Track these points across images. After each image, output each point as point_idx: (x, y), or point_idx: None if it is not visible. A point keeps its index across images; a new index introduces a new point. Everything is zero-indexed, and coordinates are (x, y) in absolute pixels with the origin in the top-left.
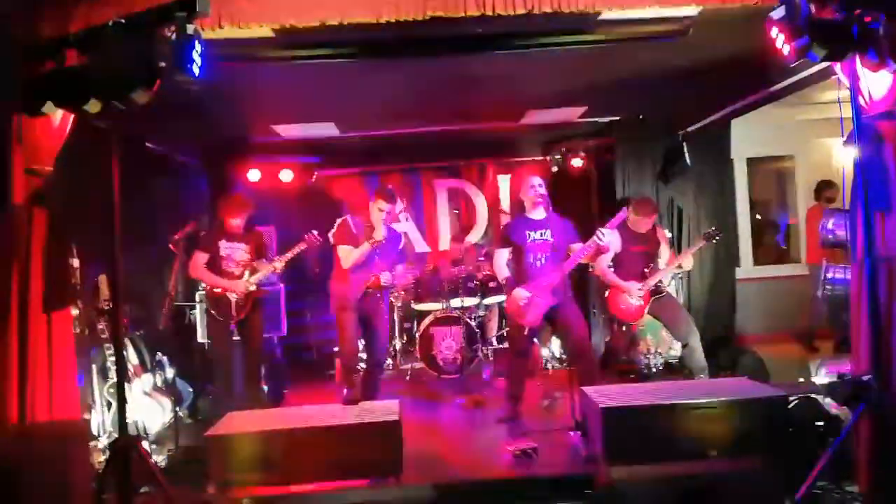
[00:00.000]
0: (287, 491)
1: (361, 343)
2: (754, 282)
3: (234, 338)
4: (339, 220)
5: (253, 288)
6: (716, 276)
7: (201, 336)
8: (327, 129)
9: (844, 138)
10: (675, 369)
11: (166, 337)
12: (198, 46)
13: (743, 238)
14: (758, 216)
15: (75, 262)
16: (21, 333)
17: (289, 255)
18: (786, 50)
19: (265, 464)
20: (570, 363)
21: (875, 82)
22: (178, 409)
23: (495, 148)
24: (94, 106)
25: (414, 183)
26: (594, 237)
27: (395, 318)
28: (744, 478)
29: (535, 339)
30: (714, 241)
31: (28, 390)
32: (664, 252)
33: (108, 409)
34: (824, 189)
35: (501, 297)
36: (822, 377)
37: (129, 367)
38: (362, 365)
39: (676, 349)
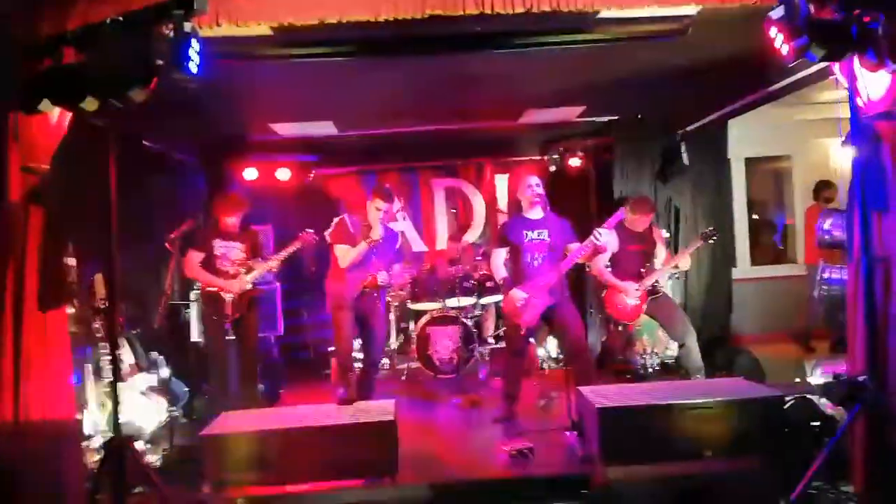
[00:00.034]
0: (282, 491)
1: (358, 343)
2: (751, 282)
3: (230, 337)
4: (336, 219)
5: (248, 287)
6: (713, 276)
7: (197, 335)
8: (325, 128)
9: (842, 138)
10: (672, 369)
11: (162, 336)
12: (195, 44)
13: (740, 238)
14: (755, 216)
15: (71, 261)
16: (16, 332)
17: (284, 253)
18: (784, 50)
19: (260, 464)
20: (567, 363)
21: (873, 82)
22: (173, 408)
23: (493, 147)
24: (91, 104)
25: (411, 182)
26: (591, 237)
27: (392, 317)
28: (740, 478)
29: (532, 339)
30: (711, 241)
31: (22, 389)
32: (661, 252)
33: (103, 408)
34: (823, 189)
35: (498, 297)
36: (817, 377)
37: (125, 366)
38: (358, 364)
39: (673, 349)
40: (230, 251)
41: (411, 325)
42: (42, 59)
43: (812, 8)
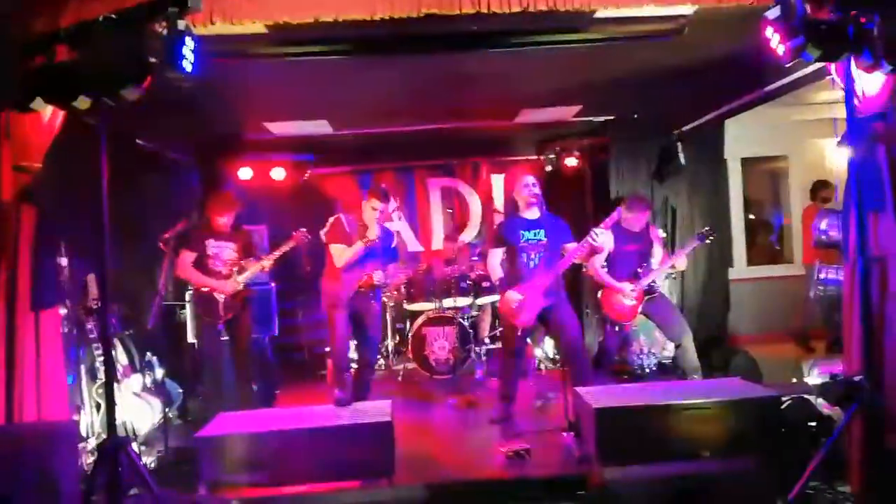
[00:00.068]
0: (278, 492)
1: (353, 343)
2: (748, 282)
3: (223, 338)
4: (331, 219)
5: (241, 287)
6: (709, 276)
7: (191, 336)
8: (320, 127)
9: (838, 139)
10: (668, 370)
11: (156, 337)
12: (189, 42)
13: (737, 238)
14: (752, 216)
15: (64, 261)
16: (8, 332)
17: (277, 253)
18: (781, 50)
19: (256, 465)
20: (563, 363)
21: (869, 83)
22: (167, 409)
23: (489, 147)
24: (83, 102)
25: (407, 181)
26: (588, 237)
27: (388, 317)
28: (737, 478)
29: (528, 340)
30: (708, 241)
31: (15, 390)
32: (657, 252)
33: (97, 409)
34: (820, 189)
35: (494, 297)
36: (814, 377)
37: (118, 367)
38: (353, 365)
39: (669, 349)
40: (222, 251)
41: (407, 326)
42: (34, 56)
43: (808, 8)
